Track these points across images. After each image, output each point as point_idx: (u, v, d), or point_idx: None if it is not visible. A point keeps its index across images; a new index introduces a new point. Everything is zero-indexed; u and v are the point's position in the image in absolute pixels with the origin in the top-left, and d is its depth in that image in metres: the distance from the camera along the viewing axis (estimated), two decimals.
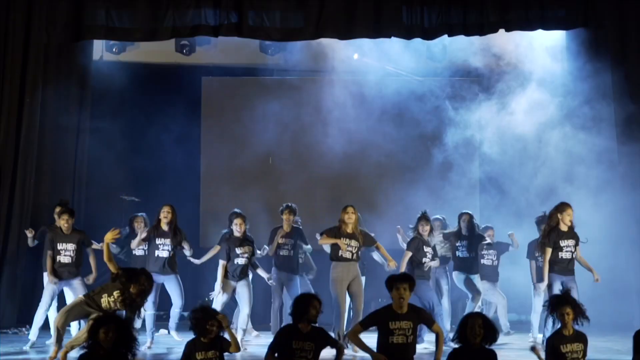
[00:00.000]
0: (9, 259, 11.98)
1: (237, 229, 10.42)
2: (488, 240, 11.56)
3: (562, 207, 9.91)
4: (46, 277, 10.22)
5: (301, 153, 13.73)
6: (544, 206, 10.78)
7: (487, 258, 11.64)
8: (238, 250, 10.35)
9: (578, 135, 12.50)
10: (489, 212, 13.06)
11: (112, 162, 13.62)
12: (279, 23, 12.40)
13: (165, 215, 10.40)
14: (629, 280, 12.24)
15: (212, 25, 12.24)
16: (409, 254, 10.52)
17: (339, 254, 10.13)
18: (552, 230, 9.84)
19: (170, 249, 10.39)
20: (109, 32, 12.45)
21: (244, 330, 10.32)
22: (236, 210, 10.83)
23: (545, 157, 13.06)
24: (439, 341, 7.45)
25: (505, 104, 12.87)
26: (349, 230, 10.16)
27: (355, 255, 10.16)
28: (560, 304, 7.12)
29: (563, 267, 9.84)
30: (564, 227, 9.87)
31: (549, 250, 9.82)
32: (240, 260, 10.35)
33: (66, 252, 10.19)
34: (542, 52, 13.20)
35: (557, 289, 9.42)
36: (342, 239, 10.10)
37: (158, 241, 10.41)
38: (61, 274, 10.15)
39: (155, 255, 10.38)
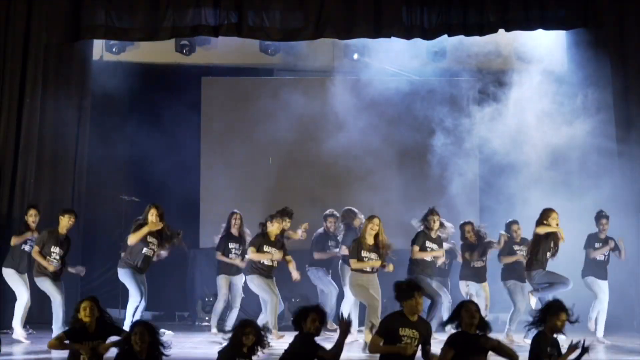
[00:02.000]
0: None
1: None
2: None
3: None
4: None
5: (301, 153, 13.72)
6: (543, 205, 10.78)
7: (521, 254, 11.18)
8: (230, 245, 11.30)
9: (578, 135, 12.49)
10: (489, 212, 13.05)
11: (112, 162, 13.64)
12: (279, 23, 12.38)
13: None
14: (629, 280, 12.23)
15: (212, 25, 12.22)
16: (416, 248, 10.33)
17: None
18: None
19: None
20: (108, 32, 12.43)
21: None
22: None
23: (545, 156, 13.04)
24: None
25: (505, 103, 12.85)
26: (371, 242, 9.86)
27: (375, 268, 9.94)
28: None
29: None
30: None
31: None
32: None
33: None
34: (542, 52, 13.21)
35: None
36: (365, 253, 9.80)
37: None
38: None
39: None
